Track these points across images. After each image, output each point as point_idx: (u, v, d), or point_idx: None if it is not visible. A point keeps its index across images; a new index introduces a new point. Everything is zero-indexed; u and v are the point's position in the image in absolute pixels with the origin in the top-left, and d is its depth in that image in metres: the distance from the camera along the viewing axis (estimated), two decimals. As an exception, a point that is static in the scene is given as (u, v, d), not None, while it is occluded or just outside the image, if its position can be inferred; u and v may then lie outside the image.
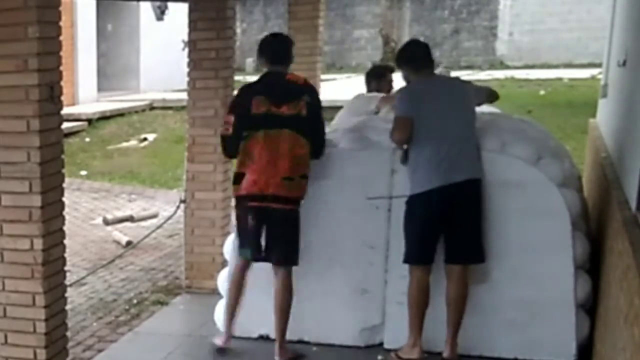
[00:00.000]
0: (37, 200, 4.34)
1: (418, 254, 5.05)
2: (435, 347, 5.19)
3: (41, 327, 4.48)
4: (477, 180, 4.99)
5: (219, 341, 5.47)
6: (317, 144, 5.22)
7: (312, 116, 5.18)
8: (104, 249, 8.85)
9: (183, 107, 8.80)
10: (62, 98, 4.47)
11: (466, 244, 5.00)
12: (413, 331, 5.06)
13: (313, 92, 5.30)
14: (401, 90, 5.28)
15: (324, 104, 5.42)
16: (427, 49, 5.31)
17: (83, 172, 12.79)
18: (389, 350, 5.29)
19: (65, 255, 4.66)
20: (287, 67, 5.33)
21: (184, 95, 7.19)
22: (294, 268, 5.28)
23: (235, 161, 5.37)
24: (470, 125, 5.08)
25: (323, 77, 8.83)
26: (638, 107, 4.42)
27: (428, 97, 5.06)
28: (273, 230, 5.19)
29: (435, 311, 5.15)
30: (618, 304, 3.75)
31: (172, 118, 15.95)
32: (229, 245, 5.72)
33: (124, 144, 14.77)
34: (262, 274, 5.56)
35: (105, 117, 15.96)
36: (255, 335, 5.63)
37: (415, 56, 5.25)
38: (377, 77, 6.83)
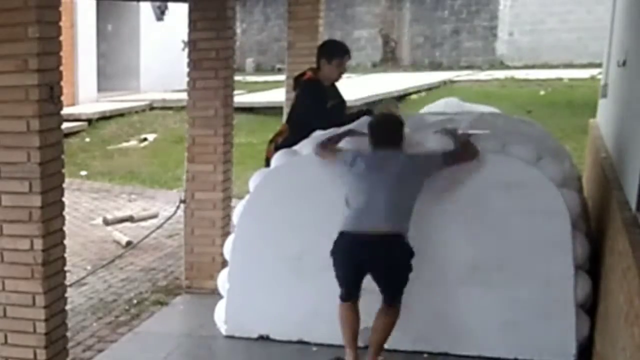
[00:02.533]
0: (37, 201, 4.34)
1: (342, 291, 5.04)
2: (435, 348, 5.20)
3: (41, 327, 4.47)
4: (393, 236, 4.88)
5: None
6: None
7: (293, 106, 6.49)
8: (104, 249, 8.84)
9: (183, 107, 8.80)
10: (62, 98, 4.47)
11: (384, 288, 4.99)
12: (350, 350, 5.06)
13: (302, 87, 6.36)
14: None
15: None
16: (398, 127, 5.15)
17: (83, 172, 12.79)
18: (389, 351, 5.29)
19: (65, 255, 4.65)
20: None
21: (184, 95, 7.19)
22: (292, 269, 5.26)
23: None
24: (402, 192, 4.94)
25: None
26: (638, 107, 4.42)
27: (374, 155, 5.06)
28: None
29: (433, 311, 5.16)
30: (618, 304, 3.75)
31: (172, 118, 15.96)
32: (229, 245, 5.73)
33: (124, 144, 14.77)
34: (262, 273, 5.57)
35: (105, 117, 15.96)
36: (254, 335, 5.63)
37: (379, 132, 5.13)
38: None
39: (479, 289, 5.14)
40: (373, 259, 4.91)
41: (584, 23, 20.25)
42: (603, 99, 7.40)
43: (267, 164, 5.96)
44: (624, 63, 5.48)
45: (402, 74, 20.65)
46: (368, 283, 5.35)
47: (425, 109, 8.12)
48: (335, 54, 6.26)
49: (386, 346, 5.36)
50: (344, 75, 6.55)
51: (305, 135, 5.82)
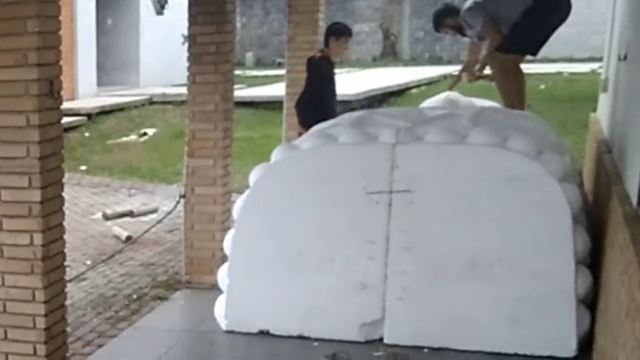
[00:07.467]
0: (36, 195, 4.33)
1: None
2: (435, 343, 5.20)
3: (41, 323, 4.47)
4: None
5: None
6: None
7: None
8: (104, 244, 8.84)
9: (183, 102, 8.79)
10: (62, 93, 4.46)
11: None
12: None
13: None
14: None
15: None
16: None
17: (83, 167, 12.78)
18: (389, 345, 5.29)
19: (65, 250, 4.65)
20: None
21: (183, 90, 7.18)
22: (292, 263, 5.28)
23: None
24: None
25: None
26: (639, 101, 4.41)
27: None
28: None
29: (433, 306, 5.16)
30: (619, 298, 3.75)
31: (171, 113, 15.93)
32: (229, 240, 5.72)
33: (124, 139, 14.75)
34: (262, 268, 5.57)
35: (104, 112, 15.94)
36: (255, 330, 5.63)
37: None
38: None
39: (479, 283, 5.13)
40: None
41: (584, 17, 20.19)
42: (603, 93, 7.39)
43: None
44: (625, 57, 5.46)
45: (403, 68, 20.63)
46: (368, 278, 5.35)
47: (425, 103, 8.12)
48: (342, 32, 7.61)
49: (386, 341, 5.37)
50: (344, 70, 6.85)
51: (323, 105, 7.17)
